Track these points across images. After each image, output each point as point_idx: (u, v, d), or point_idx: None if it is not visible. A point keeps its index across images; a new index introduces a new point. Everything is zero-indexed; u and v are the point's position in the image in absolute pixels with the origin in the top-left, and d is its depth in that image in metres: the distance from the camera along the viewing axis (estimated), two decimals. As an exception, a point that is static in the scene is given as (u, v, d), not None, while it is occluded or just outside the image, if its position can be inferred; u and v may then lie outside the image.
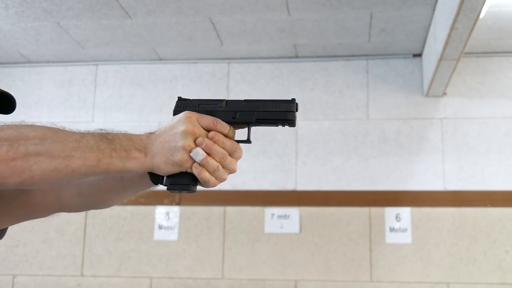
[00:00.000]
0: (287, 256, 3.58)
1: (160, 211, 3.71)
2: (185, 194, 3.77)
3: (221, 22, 3.31)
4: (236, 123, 1.10)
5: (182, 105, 1.11)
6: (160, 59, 3.91)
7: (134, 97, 3.90)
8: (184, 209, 3.71)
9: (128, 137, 1.05)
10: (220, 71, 3.88)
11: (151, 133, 1.08)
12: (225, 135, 1.08)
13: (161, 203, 3.72)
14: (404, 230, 3.52)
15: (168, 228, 3.69)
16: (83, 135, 1.01)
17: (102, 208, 1.30)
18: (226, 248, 3.63)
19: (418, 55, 3.73)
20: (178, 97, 1.13)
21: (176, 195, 3.70)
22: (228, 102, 1.10)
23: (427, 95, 3.64)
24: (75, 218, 3.73)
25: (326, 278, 3.52)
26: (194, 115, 1.06)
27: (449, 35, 2.75)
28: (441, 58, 3.03)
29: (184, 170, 1.04)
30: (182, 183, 1.05)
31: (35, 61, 3.97)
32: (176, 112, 1.10)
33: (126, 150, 1.02)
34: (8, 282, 3.70)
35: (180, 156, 1.02)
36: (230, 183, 3.70)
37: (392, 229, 3.53)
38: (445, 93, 3.64)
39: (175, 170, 1.04)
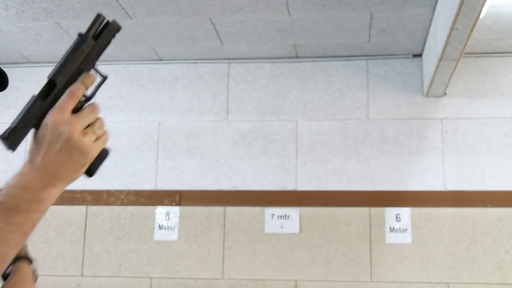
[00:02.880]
0: (287, 256, 3.58)
1: (160, 211, 3.71)
2: (185, 194, 3.79)
3: (221, 22, 3.31)
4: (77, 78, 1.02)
5: (12, 139, 0.96)
6: (160, 59, 3.92)
7: (134, 97, 3.91)
8: (184, 209, 3.71)
9: (23, 187, 0.94)
10: (220, 71, 3.88)
11: (29, 163, 0.97)
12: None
13: (161, 203, 3.72)
14: (404, 230, 3.52)
15: (168, 228, 3.69)
16: None
17: None
18: (226, 248, 3.63)
19: (418, 55, 3.73)
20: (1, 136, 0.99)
21: (176, 195, 3.71)
22: (38, 93, 1.00)
23: (427, 95, 3.64)
24: (75, 218, 3.74)
25: (326, 278, 3.52)
26: (55, 115, 0.97)
27: (449, 35, 2.75)
28: (441, 58, 3.03)
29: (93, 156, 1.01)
30: (99, 162, 1.03)
31: (35, 62, 3.98)
32: (12, 147, 0.97)
33: (35, 200, 0.95)
34: (8, 282, 3.70)
35: (82, 158, 0.99)
36: (230, 183, 3.70)
37: (392, 229, 3.53)
38: (445, 93, 3.64)
39: (85, 167, 1.01)
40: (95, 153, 1.00)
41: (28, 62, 3.97)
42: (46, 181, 0.95)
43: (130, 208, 3.73)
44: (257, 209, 3.66)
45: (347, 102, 3.74)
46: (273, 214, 3.63)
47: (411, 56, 3.75)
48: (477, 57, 3.68)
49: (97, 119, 1.01)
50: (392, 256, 3.51)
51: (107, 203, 3.76)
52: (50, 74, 0.99)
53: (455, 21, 2.59)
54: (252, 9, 3.14)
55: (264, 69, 3.85)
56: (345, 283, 3.50)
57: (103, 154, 1.04)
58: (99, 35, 1.03)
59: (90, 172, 1.04)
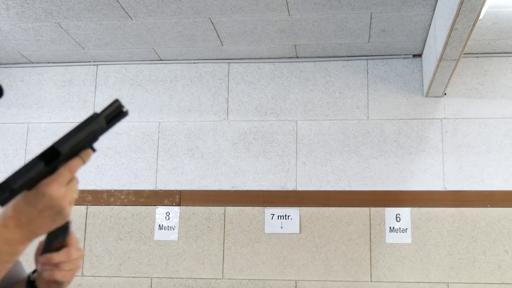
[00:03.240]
0: (287, 256, 3.58)
1: (160, 211, 3.72)
2: (185, 194, 3.79)
3: (221, 22, 3.32)
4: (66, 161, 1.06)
5: (6, 194, 1.00)
6: (160, 59, 3.92)
7: (134, 97, 3.91)
8: (184, 209, 3.71)
9: (4, 240, 1.00)
10: (220, 71, 3.88)
11: (15, 218, 1.01)
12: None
13: (161, 203, 3.72)
14: (404, 230, 3.52)
15: (168, 228, 3.70)
16: None
17: None
18: (226, 248, 3.63)
19: (418, 55, 3.74)
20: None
21: (176, 195, 3.71)
22: (40, 156, 1.03)
23: (427, 95, 3.64)
24: (75, 218, 3.74)
25: (326, 278, 3.52)
26: (53, 189, 1.01)
27: (449, 36, 2.75)
28: (441, 59, 3.03)
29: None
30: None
31: (36, 62, 3.98)
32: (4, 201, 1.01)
33: (14, 254, 1.01)
34: (8, 282, 3.71)
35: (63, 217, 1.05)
36: (230, 183, 3.71)
37: (392, 229, 3.54)
38: (445, 94, 3.64)
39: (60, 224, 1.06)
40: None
41: (28, 62, 3.98)
42: (26, 237, 1.02)
43: (130, 208, 3.74)
44: (257, 209, 3.66)
45: (347, 102, 3.75)
46: (273, 214, 3.63)
47: (411, 56, 3.75)
48: (477, 57, 3.68)
49: (75, 181, 1.06)
50: (392, 256, 3.51)
51: (107, 203, 3.76)
52: (56, 142, 1.04)
53: (455, 21, 2.59)
54: (252, 9, 3.14)
55: (264, 69, 3.85)
56: (345, 283, 3.50)
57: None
58: (111, 119, 1.06)
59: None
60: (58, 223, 1.04)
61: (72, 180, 1.04)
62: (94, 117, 1.06)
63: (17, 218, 1.01)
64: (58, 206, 1.01)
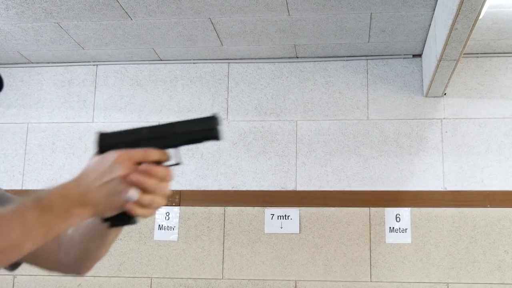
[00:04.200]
0: (287, 256, 3.58)
1: (160, 211, 3.71)
2: (185, 194, 3.79)
3: (221, 22, 3.32)
4: (164, 148, 1.09)
5: (105, 140, 1.08)
6: (160, 60, 3.92)
7: (134, 98, 3.91)
8: (184, 209, 3.71)
9: (63, 194, 1.02)
10: (220, 71, 3.88)
11: (78, 179, 1.05)
12: (158, 161, 1.07)
13: (161, 203, 3.72)
14: (404, 230, 3.52)
15: (168, 228, 3.70)
16: (21, 213, 0.99)
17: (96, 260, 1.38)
18: (226, 249, 3.63)
19: (418, 55, 3.74)
20: (99, 133, 1.09)
21: (176, 195, 3.71)
22: (150, 129, 1.08)
23: (427, 95, 3.64)
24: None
25: (326, 278, 3.52)
26: (124, 155, 1.05)
27: (448, 36, 2.75)
28: (440, 59, 3.03)
29: (124, 210, 1.06)
30: (123, 220, 1.08)
31: (36, 62, 3.98)
32: (101, 148, 1.08)
33: (67, 210, 1.01)
34: (8, 282, 3.71)
35: (118, 201, 1.04)
36: (230, 183, 3.71)
37: (392, 229, 3.54)
38: (444, 94, 3.64)
39: (117, 211, 1.06)
40: (122, 209, 1.05)
41: (28, 62, 3.97)
42: (82, 200, 1.02)
43: (130, 208, 3.73)
44: (257, 209, 3.66)
45: (347, 102, 3.75)
46: (273, 214, 3.63)
47: (411, 56, 3.75)
48: (477, 57, 3.68)
49: (159, 184, 1.06)
50: (391, 256, 3.51)
51: (107, 203, 3.76)
52: (171, 125, 1.07)
53: (454, 21, 2.59)
54: (252, 9, 3.14)
55: (264, 69, 3.85)
56: (345, 283, 3.50)
57: (129, 219, 1.09)
58: (214, 134, 1.07)
59: (107, 221, 1.09)
60: (113, 201, 1.03)
61: (155, 173, 1.04)
62: (211, 120, 1.06)
63: (79, 179, 1.04)
64: (118, 172, 1.02)
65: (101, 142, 1.07)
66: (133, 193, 1.03)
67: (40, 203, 1.00)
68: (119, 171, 1.02)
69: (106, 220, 1.09)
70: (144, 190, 1.04)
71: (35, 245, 1.00)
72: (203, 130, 1.07)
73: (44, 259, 1.37)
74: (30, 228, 0.98)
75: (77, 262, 1.41)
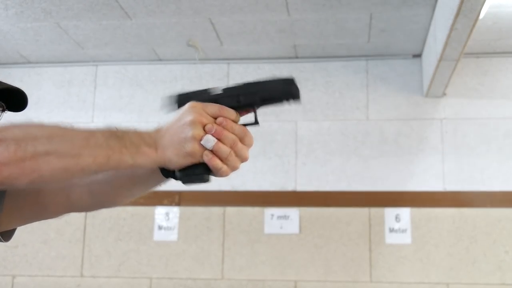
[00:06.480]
0: (287, 256, 3.58)
1: (160, 211, 3.71)
2: (184, 194, 3.78)
3: (221, 22, 3.31)
4: (240, 107, 1.06)
5: (184, 98, 1.09)
6: (160, 60, 3.92)
7: (134, 98, 3.90)
8: (183, 209, 3.71)
9: (138, 133, 1.02)
10: (220, 71, 3.88)
11: (159, 128, 1.05)
12: (232, 121, 1.05)
13: (160, 203, 3.72)
14: (404, 231, 3.52)
15: (168, 228, 3.69)
16: (92, 132, 1.00)
17: (112, 206, 1.30)
18: (226, 249, 3.63)
19: (418, 55, 3.73)
20: (177, 94, 1.11)
21: (176, 195, 3.70)
22: (228, 88, 1.08)
23: (426, 95, 3.64)
24: (75, 218, 3.73)
25: (325, 278, 3.52)
26: (199, 104, 1.04)
27: (448, 36, 2.75)
28: (440, 59, 3.03)
29: (196, 161, 1.03)
30: (195, 174, 1.04)
31: (35, 62, 3.97)
32: (180, 106, 1.08)
33: (136, 146, 1.00)
34: (7, 283, 3.70)
35: (191, 146, 1.01)
36: (229, 184, 3.70)
37: (391, 230, 3.53)
38: (444, 94, 3.64)
39: (187, 161, 1.03)
40: (198, 157, 1.03)
41: (27, 62, 3.97)
42: (153, 142, 1.02)
43: (129, 209, 3.73)
44: (256, 210, 3.66)
45: (347, 102, 3.74)
46: (272, 215, 3.63)
47: (410, 56, 3.75)
48: (477, 57, 3.68)
49: (237, 141, 1.05)
50: (391, 257, 3.51)
51: (106, 203, 3.76)
52: (249, 84, 1.06)
53: (454, 21, 2.59)
54: (252, 9, 3.14)
55: (264, 69, 3.85)
56: (345, 283, 3.50)
57: (202, 175, 1.06)
58: (295, 94, 1.05)
59: (169, 173, 1.08)
60: (182, 148, 1.01)
61: (232, 129, 1.03)
62: (288, 81, 1.04)
63: (157, 128, 1.04)
64: (190, 117, 1.01)
65: (180, 102, 1.08)
66: (210, 138, 1.00)
67: (113, 131, 1.01)
68: (191, 116, 1.01)
69: (174, 174, 1.05)
70: (221, 140, 1.02)
71: (93, 165, 0.98)
72: (283, 89, 1.04)
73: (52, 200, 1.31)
74: (95, 144, 0.97)
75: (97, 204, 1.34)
